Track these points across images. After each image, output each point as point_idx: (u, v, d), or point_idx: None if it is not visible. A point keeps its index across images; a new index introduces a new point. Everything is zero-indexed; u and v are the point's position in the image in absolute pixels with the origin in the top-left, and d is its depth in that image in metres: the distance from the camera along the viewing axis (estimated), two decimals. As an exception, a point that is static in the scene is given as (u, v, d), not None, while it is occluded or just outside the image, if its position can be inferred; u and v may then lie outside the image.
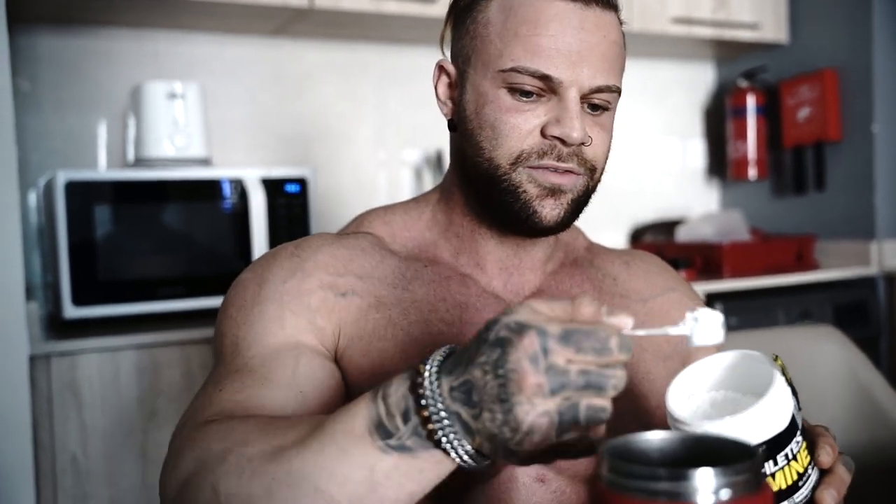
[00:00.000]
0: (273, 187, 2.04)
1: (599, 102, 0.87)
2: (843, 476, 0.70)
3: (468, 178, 0.91)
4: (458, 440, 0.58)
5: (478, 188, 0.89)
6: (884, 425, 1.46)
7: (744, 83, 3.01)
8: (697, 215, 3.06)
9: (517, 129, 0.85)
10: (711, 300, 2.44)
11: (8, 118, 1.69)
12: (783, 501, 0.67)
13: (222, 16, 2.30)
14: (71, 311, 1.85)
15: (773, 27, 2.90)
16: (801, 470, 0.67)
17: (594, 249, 1.05)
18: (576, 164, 0.86)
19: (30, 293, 2.02)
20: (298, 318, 0.84)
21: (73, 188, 1.86)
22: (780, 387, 0.66)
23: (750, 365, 0.71)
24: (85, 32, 2.31)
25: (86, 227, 1.87)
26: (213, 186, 1.99)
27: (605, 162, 0.91)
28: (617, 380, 0.55)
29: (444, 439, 0.58)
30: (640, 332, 0.61)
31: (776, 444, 0.65)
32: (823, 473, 0.71)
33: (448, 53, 0.96)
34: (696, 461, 0.49)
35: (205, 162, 2.11)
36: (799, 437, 0.67)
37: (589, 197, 0.91)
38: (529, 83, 0.83)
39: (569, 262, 1.00)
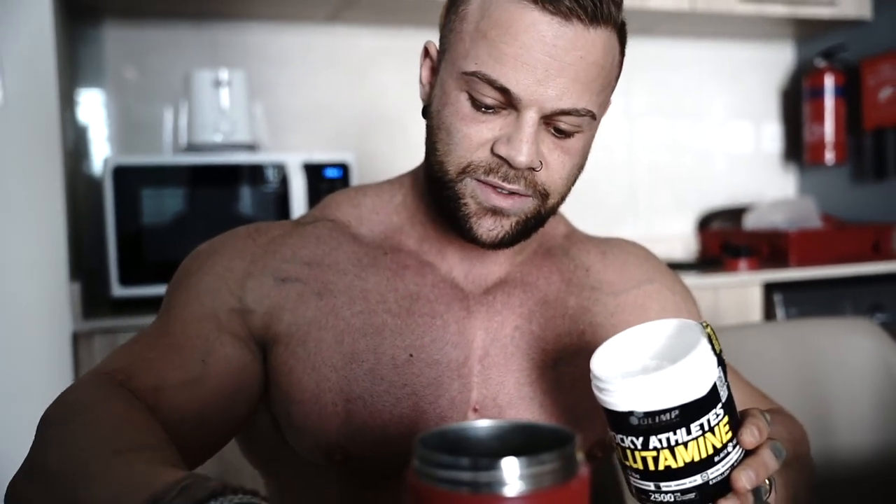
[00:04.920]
0: (314, 172, 2.07)
1: (566, 127, 0.80)
2: (767, 460, 0.66)
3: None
4: None
5: (431, 186, 0.87)
6: (922, 425, 1.37)
7: (822, 63, 2.86)
8: (769, 201, 2.94)
9: (468, 139, 0.80)
10: (772, 290, 2.34)
11: (53, 110, 1.77)
12: (695, 475, 0.64)
13: (276, 4, 2.34)
14: (118, 290, 1.93)
15: (854, 3, 2.74)
16: (717, 444, 0.64)
17: (573, 237, 1.00)
18: (522, 187, 0.80)
19: (87, 274, 2.13)
20: (231, 298, 0.85)
21: (121, 173, 1.94)
22: (700, 354, 0.63)
23: (684, 334, 0.68)
24: (147, 24, 2.40)
25: (133, 210, 1.95)
26: (254, 171, 2.04)
27: (566, 187, 0.85)
28: None
29: None
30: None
31: (690, 412, 0.62)
32: (749, 455, 0.67)
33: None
34: (513, 451, 0.47)
35: (251, 147, 2.16)
36: (720, 411, 0.64)
37: (542, 220, 0.85)
38: (489, 94, 0.78)
39: (541, 252, 0.96)
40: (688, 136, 3.03)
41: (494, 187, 0.81)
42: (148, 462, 0.64)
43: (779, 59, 3.13)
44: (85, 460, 0.65)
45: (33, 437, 0.74)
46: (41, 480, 0.69)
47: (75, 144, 2.27)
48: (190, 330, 0.83)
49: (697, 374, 0.63)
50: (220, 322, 0.84)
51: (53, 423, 0.73)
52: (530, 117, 0.78)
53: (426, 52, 0.89)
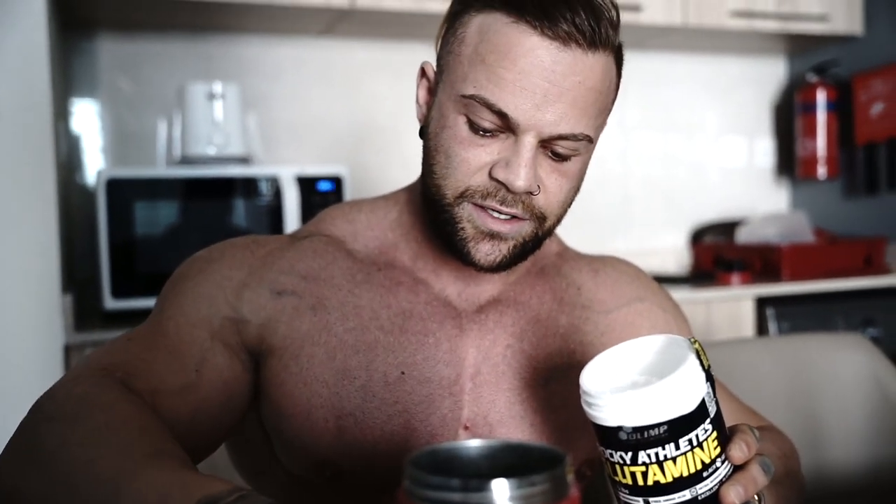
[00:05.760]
0: (307, 185, 2.07)
1: (563, 151, 0.80)
2: (756, 475, 0.66)
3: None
4: None
5: (428, 207, 0.87)
6: (913, 440, 1.37)
7: (813, 78, 2.88)
8: (762, 216, 2.95)
9: (466, 163, 0.80)
10: (764, 304, 2.35)
11: (47, 121, 1.77)
12: (684, 490, 0.64)
13: (269, 18, 2.35)
14: (110, 303, 1.93)
15: (845, 19, 2.77)
16: (706, 459, 0.64)
17: (565, 255, 1.00)
18: (520, 210, 0.81)
19: (79, 286, 2.12)
20: (227, 307, 0.85)
21: (114, 185, 1.94)
22: (688, 369, 0.63)
23: (672, 350, 0.68)
24: (141, 36, 2.41)
25: (126, 222, 1.95)
26: (248, 184, 2.04)
27: (563, 210, 0.85)
28: None
29: None
30: None
31: (679, 427, 0.62)
32: (738, 471, 0.67)
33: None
34: (503, 471, 0.47)
35: (244, 160, 2.16)
36: (708, 426, 0.64)
37: (539, 242, 0.86)
38: (488, 118, 0.78)
39: (535, 271, 0.96)
40: (680, 150, 3.04)
41: (492, 211, 0.81)
42: (189, 469, 0.63)
43: (771, 74, 3.15)
44: (117, 461, 0.64)
45: (25, 425, 0.72)
46: (47, 473, 0.67)
47: (68, 155, 2.26)
48: (184, 334, 0.83)
49: (686, 390, 0.63)
50: (214, 329, 0.84)
51: (62, 418, 0.70)
52: (528, 142, 0.78)
53: (422, 73, 0.88)
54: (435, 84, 0.86)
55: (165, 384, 0.79)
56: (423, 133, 0.87)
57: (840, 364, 1.44)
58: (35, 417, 0.72)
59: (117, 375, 0.76)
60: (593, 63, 0.78)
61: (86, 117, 2.38)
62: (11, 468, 0.70)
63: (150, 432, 0.69)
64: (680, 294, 2.18)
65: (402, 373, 0.85)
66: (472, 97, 0.78)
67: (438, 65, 0.86)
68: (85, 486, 0.64)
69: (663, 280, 2.20)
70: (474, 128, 0.80)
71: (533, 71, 0.77)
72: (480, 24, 0.80)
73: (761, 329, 2.34)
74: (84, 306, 2.09)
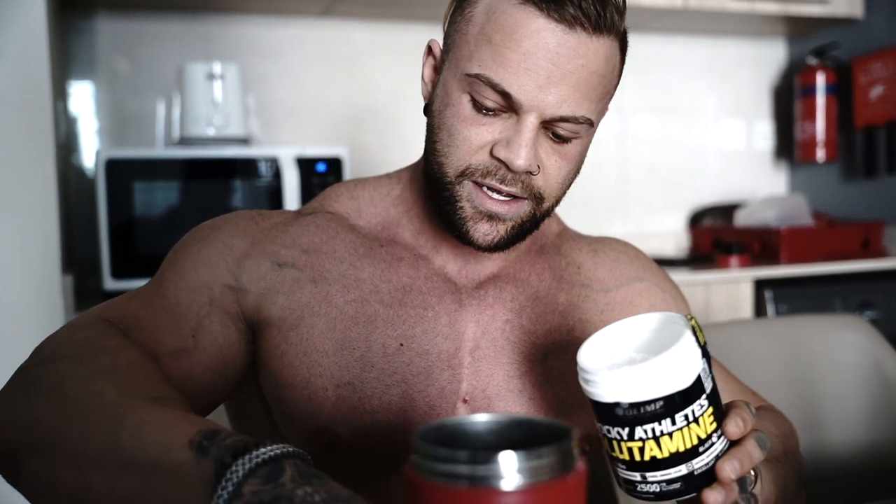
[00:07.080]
0: (307, 166, 2.07)
1: (564, 133, 0.82)
2: (752, 451, 0.67)
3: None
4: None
5: (429, 185, 0.89)
6: (910, 421, 1.38)
7: (813, 61, 2.88)
8: (760, 198, 2.95)
9: (468, 141, 0.82)
10: (762, 287, 2.36)
11: (46, 102, 1.77)
12: (680, 465, 0.65)
13: (269, -3, 2.34)
14: (110, 283, 1.93)
15: (846, 2, 2.75)
16: (702, 435, 0.65)
17: (565, 235, 1.02)
18: (519, 190, 0.82)
19: (79, 267, 2.12)
20: (228, 274, 0.86)
21: (113, 165, 1.93)
22: (684, 345, 0.64)
23: (669, 327, 0.69)
24: (139, 16, 2.40)
25: (125, 203, 1.94)
26: (247, 165, 2.04)
27: (561, 191, 0.87)
28: None
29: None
30: None
31: (675, 403, 0.63)
32: (734, 446, 0.68)
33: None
34: (510, 445, 0.48)
35: (244, 141, 2.16)
36: (704, 402, 0.65)
37: (537, 223, 0.87)
38: (491, 97, 0.79)
39: (535, 249, 0.97)
40: (680, 132, 3.04)
41: (492, 190, 0.83)
42: (192, 412, 0.64)
43: (771, 57, 3.14)
44: (122, 396, 0.65)
45: (23, 368, 0.72)
46: (48, 404, 0.67)
47: (66, 137, 2.26)
48: (182, 297, 0.84)
49: (682, 366, 0.64)
50: (214, 296, 0.85)
51: (65, 359, 0.70)
52: (530, 122, 0.79)
53: (429, 51, 0.90)
54: (441, 62, 0.87)
55: (161, 344, 0.80)
56: (428, 110, 0.89)
57: (838, 345, 1.45)
58: (34, 360, 0.73)
59: (119, 327, 0.77)
60: (597, 47, 0.79)
61: (83, 99, 2.37)
62: (6, 405, 0.70)
63: (154, 379, 0.70)
64: (679, 276, 2.19)
65: (401, 344, 0.86)
66: (476, 76, 0.80)
67: (445, 43, 0.87)
68: (89, 414, 0.64)
69: (662, 263, 2.20)
70: (477, 106, 0.81)
71: (537, 52, 0.78)
72: (488, 4, 0.81)
73: (759, 311, 2.35)
74: (84, 287, 2.09)
